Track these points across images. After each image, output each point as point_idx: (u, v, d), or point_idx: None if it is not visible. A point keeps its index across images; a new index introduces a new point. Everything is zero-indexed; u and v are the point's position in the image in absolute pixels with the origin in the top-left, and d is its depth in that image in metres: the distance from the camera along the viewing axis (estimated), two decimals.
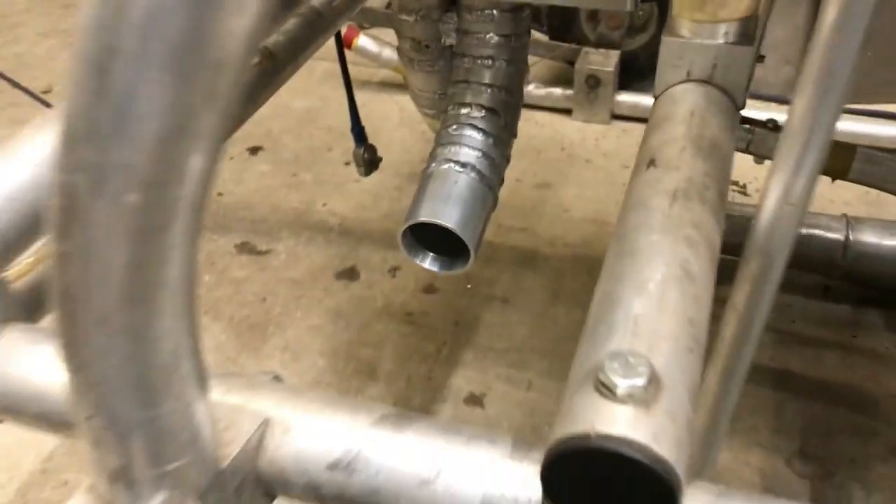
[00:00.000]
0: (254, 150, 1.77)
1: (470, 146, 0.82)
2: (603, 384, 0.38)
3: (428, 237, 0.80)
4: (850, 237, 1.22)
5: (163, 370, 0.38)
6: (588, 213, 1.53)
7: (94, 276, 0.34)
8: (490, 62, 0.83)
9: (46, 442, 1.12)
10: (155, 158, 0.31)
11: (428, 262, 0.83)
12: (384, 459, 0.45)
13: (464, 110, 0.84)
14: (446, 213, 0.78)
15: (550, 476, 0.37)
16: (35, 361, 0.53)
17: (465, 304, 1.35)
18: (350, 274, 1.41)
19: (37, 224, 0.57)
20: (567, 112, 1.80)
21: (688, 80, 0.69)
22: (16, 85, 1.38)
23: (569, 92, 1.78)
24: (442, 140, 0.84)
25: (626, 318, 0.44)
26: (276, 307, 1.35)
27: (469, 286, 1.38)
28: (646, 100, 1.15)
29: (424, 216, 0.77)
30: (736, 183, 1.57)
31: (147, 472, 0.41)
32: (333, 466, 0.46)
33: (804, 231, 1.25)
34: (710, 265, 0.51)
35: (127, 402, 0.38)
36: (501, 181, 0.91)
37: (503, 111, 0.85)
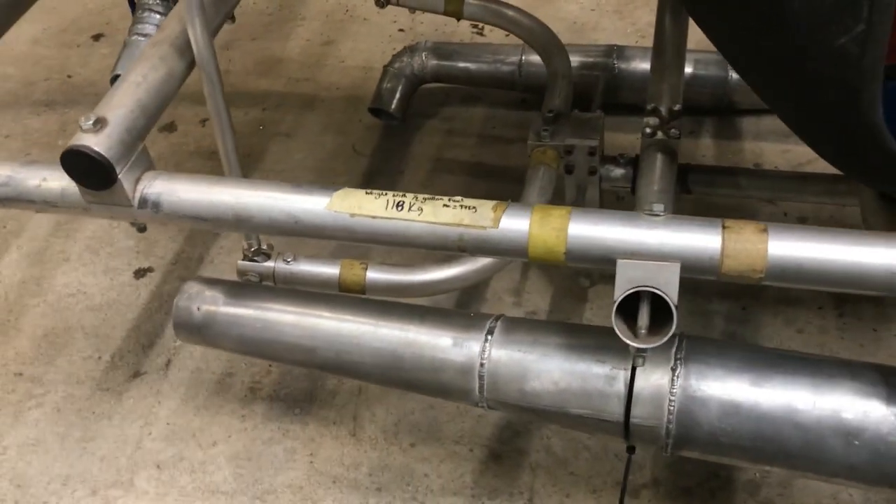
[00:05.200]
0: (96, 37, 2.13)
1: None
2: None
3: None
4: (523, 59, 1.65)
5: None
6: (360, 62, 1.95)
7: None
8: None
9: None
10: None
11: None
12: None
13: None
14: None
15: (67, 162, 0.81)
16: None
17: (256, 140, 1.78)
18: (170, 127, 1.83)
19: None
20: None
21: None
22: None
23: None
24: None
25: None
26: None
27: (261, 127, 1.81)
28: None
29: None
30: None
31: None
32: None
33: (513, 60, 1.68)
34: None
35: None
36: None
37: None
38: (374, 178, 1.66)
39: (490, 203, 0.76)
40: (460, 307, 1.41)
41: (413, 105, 1.76)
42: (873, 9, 0.71)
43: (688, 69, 1.50)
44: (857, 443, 0.75)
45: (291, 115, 1.83)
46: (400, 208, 0.75)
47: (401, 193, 0.76)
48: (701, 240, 0.71)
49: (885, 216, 0.94)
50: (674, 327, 0.72)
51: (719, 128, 1.64)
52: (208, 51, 0.87)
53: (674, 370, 0.80)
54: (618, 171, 1.21)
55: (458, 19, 1.40)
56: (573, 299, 1.41)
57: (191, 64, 0.90)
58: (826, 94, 0.80)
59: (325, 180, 1.67)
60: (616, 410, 0.82)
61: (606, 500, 1.17)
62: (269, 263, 1.06)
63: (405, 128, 1.75)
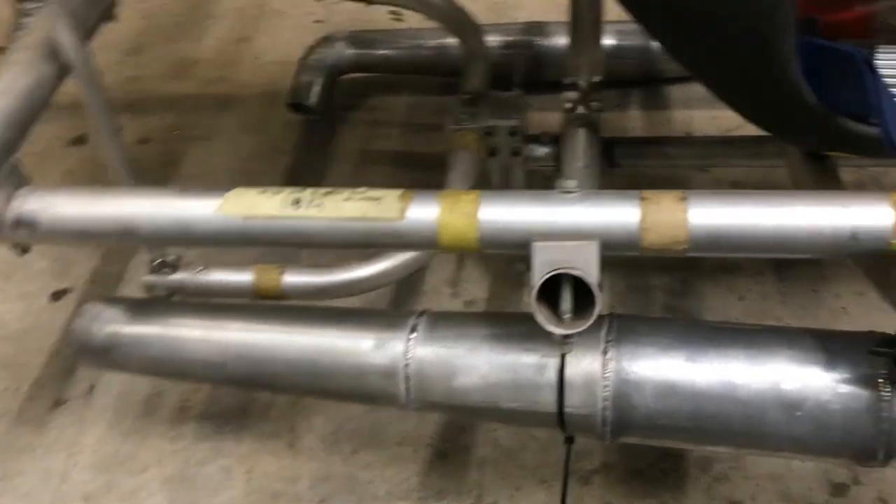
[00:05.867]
0: None
1: None
2: None
3: None
4: (443, 42, 1.60)
5: None
6: (276, 57, 1.87)
7: None
8: None
9: None
10: None
11: None
12: None
13: None
14: None
15: None
16: None
17: (172, 147, 1.70)
18: (79, 140, 1.73)
19: None
20: None
21: None
22: None
23: None
24: None
25: None
26: None
27: (177, 132, 1.73)
28: None
29: None
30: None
31: None
32: None
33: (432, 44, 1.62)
34: None
35: None
36: None
37: None
38: (299, 175, 1.60)
39: (395, 192, 0.70)
40: (396, 303, 1.36)
41: (334, 97, 1.70)
42: None
43: (610, 41, 1.47)
44: (798, 414, 0.71)
45: (208, 117, 1.75)
46: (298, 205, 0.70)
47: (299, 189, 0.71)
48: (618, 214, 0.67)
49: (813, 175, 0.92)
50: (597, 309, 0.68)
51: (647, 98, 1.61)
52: (79, 53, 0.80)
53: (605, 353, 0.75)
54: (542, 150, 1.16)
55: (369, 3, 1.34)
56: (511, 286, 1.36)
57: (63, 68, 0.83)
58: (743, 54, 0.77)
59: (247, 182, 1.59)
60: (549, 401, 0.77)
61: (557, 491, 1.13)
62: (177, 276, 0.99)
63: (327, 121, 1.69)
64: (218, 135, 1.71)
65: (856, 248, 0.64)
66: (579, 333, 0.69)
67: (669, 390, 0.74)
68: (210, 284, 0.99)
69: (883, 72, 0.81)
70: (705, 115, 1.55)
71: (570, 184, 0.68)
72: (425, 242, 0.69)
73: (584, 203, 0.67)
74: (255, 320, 0.89)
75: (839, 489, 1.09)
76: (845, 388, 0.70)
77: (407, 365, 0.81)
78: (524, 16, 1.79)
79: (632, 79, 1.57)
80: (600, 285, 0.68)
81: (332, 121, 1.69)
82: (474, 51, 1.25)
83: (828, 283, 1.31)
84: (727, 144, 1.14)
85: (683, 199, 0.66)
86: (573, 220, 0.67)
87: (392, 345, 0.82)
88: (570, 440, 0.85)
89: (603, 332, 0.77)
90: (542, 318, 0.68)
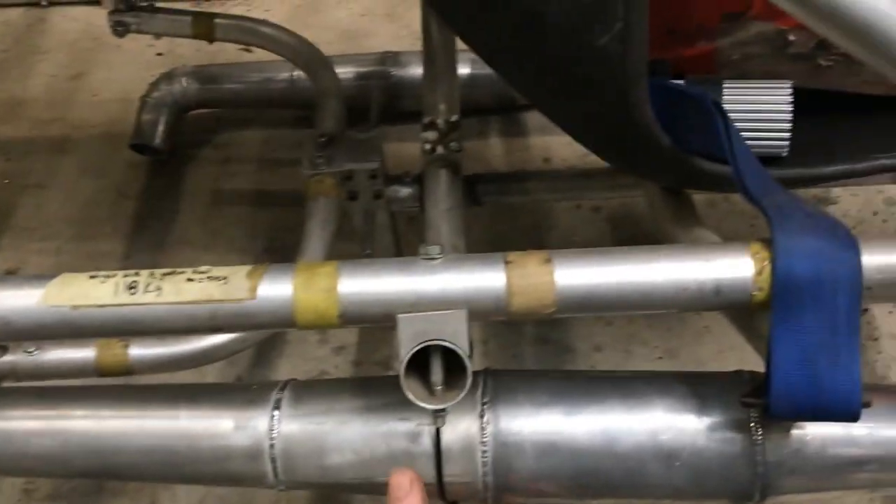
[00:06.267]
0: None
1: None
2: None
3: None
4: (294, 74, 1.54)
5: None
6: (116, 94, 1.75)
7: None
8: None
9: None
10: None
11: None
12: None
13: None
14: None
15: None
16: None
17: (2, 196, 1.55)
18: None
19: None
20: (97, 2, 1.96)
21: None
22: None
23: None
24: None
25: None
26: None
27: (7, 181, 1.58)
28: None
29: None
30: None
31: None
32: None
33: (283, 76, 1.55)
34: None
35: None
36: None
37: None
38: (146, 221, 1.49)
39: (244, 269, 0.65)
40: (258, 357, 1.29)
41: (181, 135, 1.60)
42: (629, 6, 0.67)
43: (465, 70, 1.45)
44: (677, 464, 0.70)
45: (42, 162, 1.62)
46: (133, 291, 0.62)
47: (133, 273, 0.63)
48: (484, 279, 0.63)
49: (669, 207, 0.93)
50: (468, 382, 0.64)
51: (506, 126, 1.61)
52: None
53: (482, 416, 0.72)
54: (405, 191, 1.12)
55: (211, 41, 1.26)
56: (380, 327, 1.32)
57: None
58: (597, 98, 0.76)
59: (88, 231, 1.48)
60: (427, 472, 0.73)
61: None
62: (8, 357, 0.89)
63: (175, 161, 1.59)
64: (55, 181, 1.57)
65: (720, 302, 0.64)
66: (453, 406, 0.66)
67: (550, 448, 0.72)
68: (46, 365, 0.89)
69: (728, 106, 0.83)
70: (562, 141, 1.54)
71: (434, 249, 0.64)
72: (280, 322, 0.64)
73: (449, 270, 0.64)
74: (101, 405, 0.80)
75: None
76: (720, 435, 0.69)
77: (272, 445, 0.75)
78: (377, 43, 1.76)
79: (488, 107, 1.56)
80: (470, 355, 0.65)
81: (180, 160, 1.59)
82: (327, 89, 1.20)
83: None
84: (586, 177, 1.14)
85: (548, 260, 0.63)
86: (439, 289, 0.63)
87: (254, 424, 0.75)
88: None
89: (479, 394, 0.73)
90: (412, 395, 0.64)
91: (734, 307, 0.64)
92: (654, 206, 0.96)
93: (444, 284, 0.63)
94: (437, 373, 0.65)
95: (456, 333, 0.63)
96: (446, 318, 0.63)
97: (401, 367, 0.64)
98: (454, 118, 1.08)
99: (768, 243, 0.63)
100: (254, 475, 0.77)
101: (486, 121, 1.60)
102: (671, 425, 0.71)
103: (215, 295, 0.63)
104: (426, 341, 0.63)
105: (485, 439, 0.72)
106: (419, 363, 0.66)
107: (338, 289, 0.64)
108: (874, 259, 0.63)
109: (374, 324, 0.65)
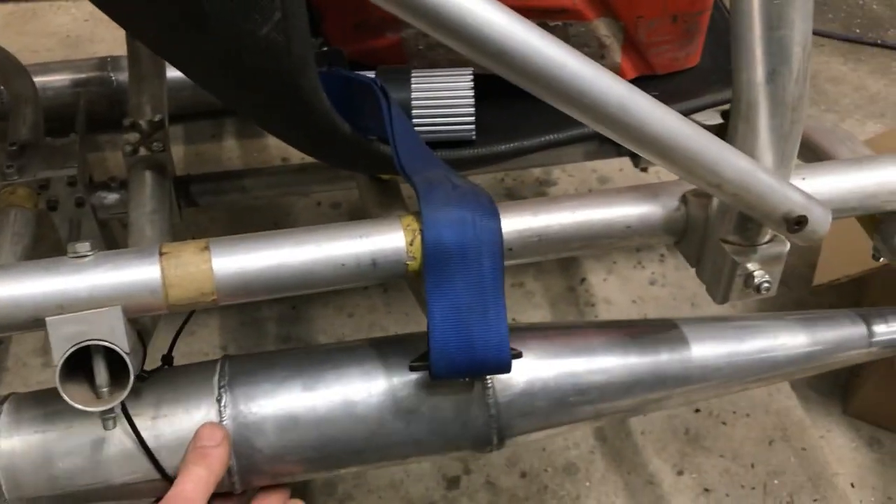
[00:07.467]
0: None
1: None
2: None
3: None
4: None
5: None
6: None
7: None
8: None
9: None
10: None
11: None
12: None
13: None
14: None
15: None
16: None
17: None
18: None
19: None
20: None
21: None
22: None
23: None
24: None
25: None
26: None
27: None
28: None
29: None
30: None
31: None
32: None
33: None
34: None
35: None
36: None
37: None
38: None
39: None
40: None
41: None
42: None
43: (175, 72, 1.42)
44: (416, 416, 0.72)
45: None
46: None
47: None
48: (137, 274, 0.62)
49: (374, 192, 0.95)
50: (132, 379, 0.63)
51: (242, 127, 1.59)
52: None
53: (220, 401, 0.70)
54: (112, 197, 1.08)
55: None
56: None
57: None
58: (271, 88, 0.76)
59: None
60: (145, 469, 0.69)
61: None
62: None
63: None
64: None
65: (379, 274, 0.66)
66: (119, 405, 0.64)
67: (291, 422, 0.71)
68: None
69: (416, 95, 0.86)
70: None
71: (83, 247, 0.62)
72: None
73: (99, 267, 0.61)
74: None
75: (453, 482, 1.16)
76: (454, 384, 0.72)
77: None
78: (103, 49, 1.68)
79: (221, 108, 1.53)
80: (136, 350, 0.64)
81: None
82: (21, 95, 1.12)
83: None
84: (302, 172, 1.15)
85: (206, 248, 0.63)
86: (89, 287, 0.61)
87: None
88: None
89: (216, 378, 0.71)
90: (71, 399, 0.62)
91: (393, 278, 0.67)
92: (362, 193, 0.99)
93: (95, 282, 0.61)
94: (100, 374, 0.63)
95: (113, 331, 0.61)
96: (100, 317, 0.61)
97: (56, 373, 0.61)
98: (158, 118, 1.05)
99: (419, 216, 0.67)
100: None
101: (221, 123, 1.58)
102: (407, 382, 0.72)
103: None
104: (80, 343, 0.61)
105: (224, 423, 0.70)
106: (87, 367, 0.64)
107: None
108: (512, 223, 0.68)
109: (26, 330, 0.62)
